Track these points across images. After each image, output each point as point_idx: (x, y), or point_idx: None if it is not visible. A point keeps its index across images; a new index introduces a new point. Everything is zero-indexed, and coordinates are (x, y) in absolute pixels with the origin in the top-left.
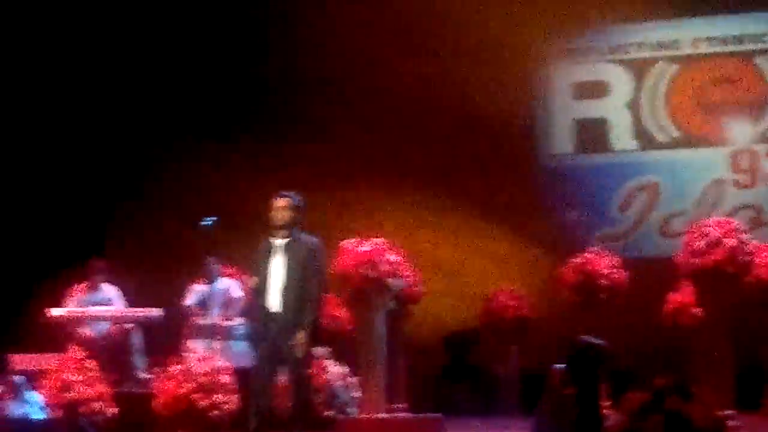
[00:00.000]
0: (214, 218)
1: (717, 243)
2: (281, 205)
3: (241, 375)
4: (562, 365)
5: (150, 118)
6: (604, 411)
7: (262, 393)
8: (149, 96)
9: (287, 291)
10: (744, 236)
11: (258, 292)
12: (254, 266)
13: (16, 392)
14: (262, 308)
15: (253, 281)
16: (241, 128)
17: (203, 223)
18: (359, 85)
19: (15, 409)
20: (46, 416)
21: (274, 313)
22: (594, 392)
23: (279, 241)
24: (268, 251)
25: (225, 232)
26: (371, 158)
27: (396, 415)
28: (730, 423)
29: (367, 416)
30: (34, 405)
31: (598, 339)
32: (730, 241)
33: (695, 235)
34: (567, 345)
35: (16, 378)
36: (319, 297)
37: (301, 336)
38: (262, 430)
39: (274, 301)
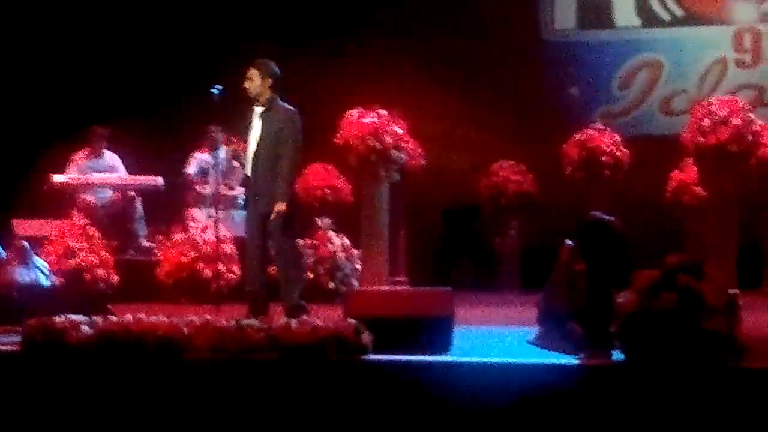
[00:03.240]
0: (221, 87)
1: (723, 122)
2: (249, 75)
3: (242, 244)
4: (573, 241)
5: None
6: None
7: (253, 260)
8: None
9: (258, 158)
10: (750, 115)
11: (244, 160)
12: (242, 134)
13: (23, 258)
14: (245, 176)
15: (232, 150)
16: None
17: (212, 90)
18: None
19: (24, 275)
20: (51, 282)
21: (250, 180)
22: (604, 269)
23: (258, 110)
24: (251, 119)
25: (230, 101)
26: (372, 33)
27: (405, 287)
28: None
29: (374, 288)
30: (41, 271)
31: (608, 215)
32: (736, 120)
33: (701, 114)
34: (577, 221)
35: (24, 244)
36: (291, 166)
37: (277, 206)
38: (259, 297)
39: (249, 168)
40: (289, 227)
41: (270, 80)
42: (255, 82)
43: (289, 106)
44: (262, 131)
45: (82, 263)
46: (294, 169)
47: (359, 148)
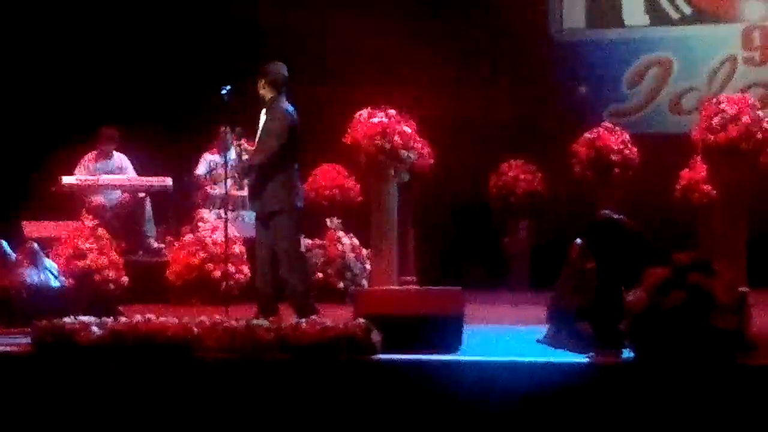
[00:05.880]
0: (231, 87)
1: (733, 120)
2: (258, 86)
3: (252, 245)
4: (582, 239)
5: None
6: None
7: (262, 260)
8: None
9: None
10: (759, 113)
11: None
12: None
13: (33, 259)
14: None
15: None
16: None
17: (222, 91)
18: None
19: (34, 276)
20: (60, 284)
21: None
22: (614, 267)
23: (262, 112)
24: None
25: (239, 101)
26: (380, 30)
27: (415, 287)
28: None
29: (383, 288)
30: (51, 272)
31: (618, 213)
32: (746, 118)
33: (711, 112)
34: (587, 219)
35: (34, 245)
36: (259, 152)
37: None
38: (269, 297)
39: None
40: (288, 228)
41: (266, 81)
42: (258, 84)
43: (285, 106)
44: (259, 132)
45: (92, 264)
46: (261, 156)
47: (368, 148)
